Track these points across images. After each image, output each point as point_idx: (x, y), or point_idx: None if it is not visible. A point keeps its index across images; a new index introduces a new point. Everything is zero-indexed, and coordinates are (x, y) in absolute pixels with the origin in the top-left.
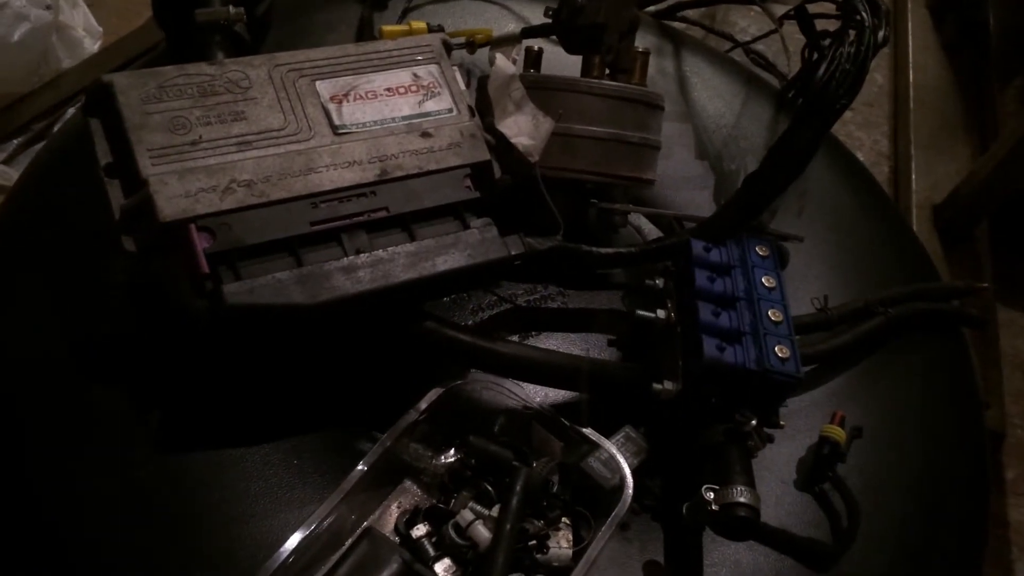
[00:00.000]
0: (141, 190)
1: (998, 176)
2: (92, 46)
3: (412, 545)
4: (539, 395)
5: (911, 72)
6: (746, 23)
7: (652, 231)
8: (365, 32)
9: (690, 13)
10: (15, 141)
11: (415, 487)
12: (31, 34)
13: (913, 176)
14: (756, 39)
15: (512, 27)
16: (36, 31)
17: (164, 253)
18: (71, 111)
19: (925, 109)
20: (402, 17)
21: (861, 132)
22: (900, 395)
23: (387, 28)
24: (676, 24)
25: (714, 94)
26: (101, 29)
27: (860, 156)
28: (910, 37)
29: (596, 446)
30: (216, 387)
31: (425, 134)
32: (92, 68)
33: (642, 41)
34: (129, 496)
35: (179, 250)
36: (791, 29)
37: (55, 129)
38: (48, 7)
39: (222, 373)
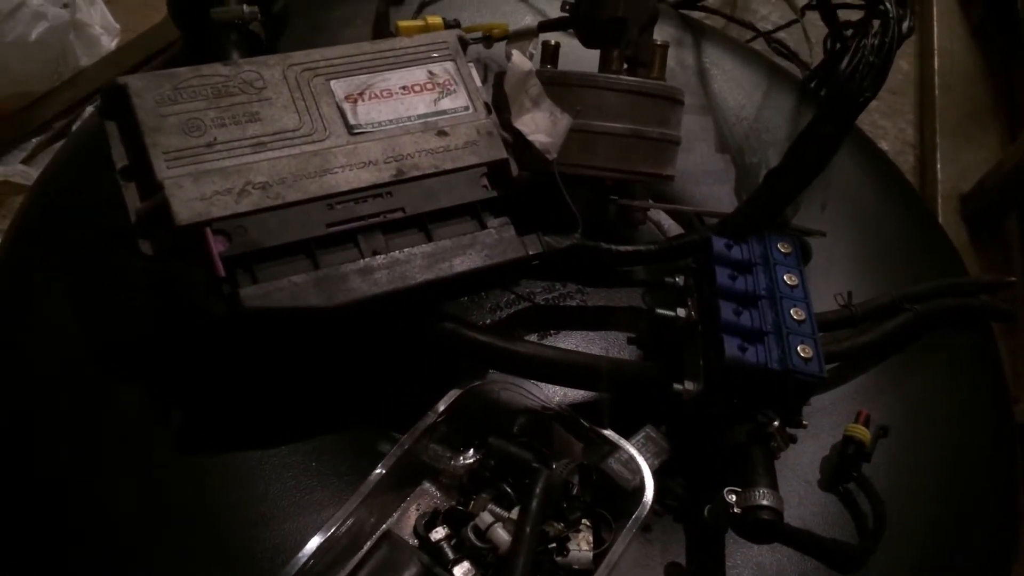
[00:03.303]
0: (157, 193)
1: None
2: (110, 43)
3: (431, 548)
4: (558, 396)
5: (937, 58)
6: (767, 10)
7: (673, 227)
8: (381, 27)
9: (710, 1)
10: (34, 140)
11: (434, 488)
12: (49, 32)
13: (939, 165)
14: (778, 28)
15: (529, 20)
16: (54, 29)
17: (182, 256)
18: (90, 109)
19: (951, 96)
20: (418, 12)
21: (886, 121)
22: (927, 393)
23: (403, 23)
24: (695, 13)
25: (735, 86)
26: (118, 26)
27: (885, 145)
28: (935, 22)
29: (616, 447)
30: (235, 389)
31: (441, 133)
32: (110, 65)
33: (660, 32)
34: (148, 498)
35: (196, 253)
36: (813, 17)
37: (74, 128)
38: (65, 5)
39: (241, 375)
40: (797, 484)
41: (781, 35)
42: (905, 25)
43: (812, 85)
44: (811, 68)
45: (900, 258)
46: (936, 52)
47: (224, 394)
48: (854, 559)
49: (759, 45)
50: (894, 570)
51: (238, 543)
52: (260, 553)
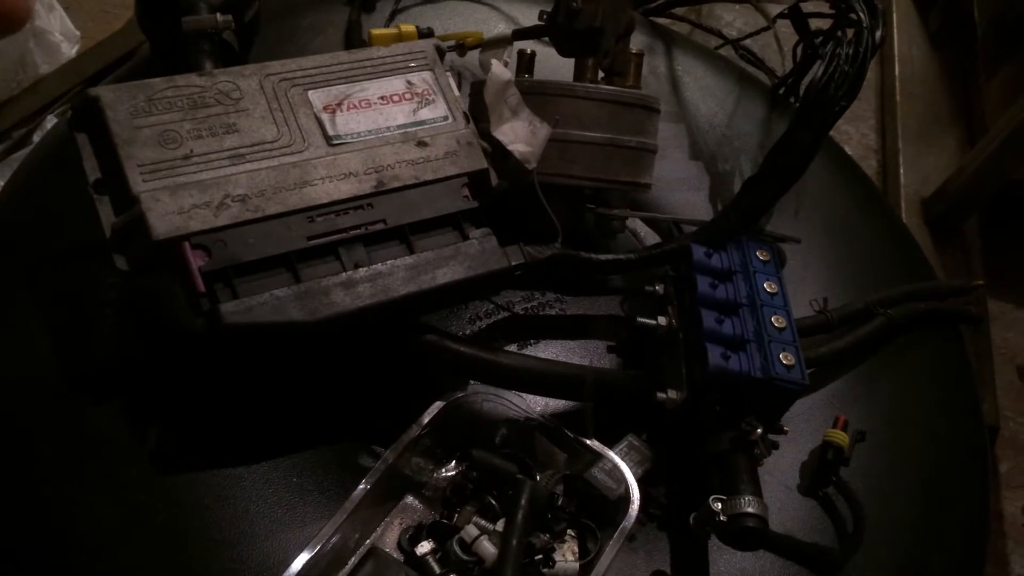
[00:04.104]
0: (132, 207)
1: (987, 170)
2: (70, 50)
3: (417, 563)
4: (540, 406)
5: (897, 65)
6: (731, 17)
7: (649, 235)
8: (353, 35)
9: (678, 9)
10: None
11: (416, 502)
12: (7, 40)
13: (901, 170)
14: (747, 36)
15: (502, 28)
16: (12, 37)
17: (158, 271)
18: (51, 117)
19: (912, 102)
20: (390, 20)
21: (848, 126)
22: (900, 396)
23: (376, 32)
24: (662, 20)
25: (707, 93)
26: (78, 33)
27: (848, 150)
28: (895, 29)
29: (600, 456)
30: (213, 405)
31: (421, 143)
32: (71, 73)
33: (632, 40)
34: (125, 519)
35: (174, 268)
36: (780, 23)
37: (35, 136)
38: None
39: (219, 390)
40: (778, 489)
41: (747, 42)
42: (877, 34)
43: (781, 92)
44: (779, 75)
45: (871, 263)
46: (897, 58)
47: (202, 410)
48: (834, 563)
49: (725, 52)
50: (874, 573)
51: (219, 563)
52: (243, 572)
